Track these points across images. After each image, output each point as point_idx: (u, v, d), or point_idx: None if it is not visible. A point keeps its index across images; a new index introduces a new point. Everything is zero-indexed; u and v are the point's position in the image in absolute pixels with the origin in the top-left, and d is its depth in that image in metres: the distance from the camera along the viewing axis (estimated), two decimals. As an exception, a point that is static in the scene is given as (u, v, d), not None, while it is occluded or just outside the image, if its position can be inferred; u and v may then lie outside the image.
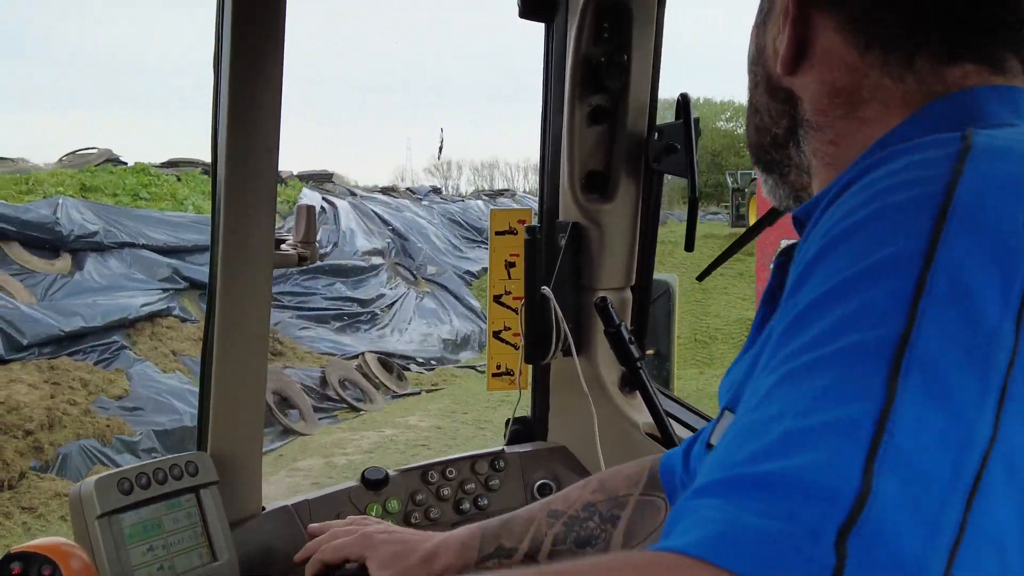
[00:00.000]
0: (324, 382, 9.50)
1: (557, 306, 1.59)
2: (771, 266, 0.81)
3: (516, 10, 1.60)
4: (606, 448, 1.57)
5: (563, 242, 1.61)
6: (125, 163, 13.67)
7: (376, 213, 14.80)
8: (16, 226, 9.47)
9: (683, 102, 1.51)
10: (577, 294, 1.65)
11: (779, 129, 0.79)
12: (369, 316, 12.27)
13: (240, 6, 1.24)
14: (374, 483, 1.52)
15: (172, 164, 14.81)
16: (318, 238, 12.82)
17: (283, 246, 1.42)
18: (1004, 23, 0.70)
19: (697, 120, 1.50)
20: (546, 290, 1.60)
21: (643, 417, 1.61)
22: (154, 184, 13.10)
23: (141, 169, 13.47)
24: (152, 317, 9.50)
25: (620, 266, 1.63)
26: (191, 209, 12.72)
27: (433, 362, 11.61)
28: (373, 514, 1.50)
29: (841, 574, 0.43)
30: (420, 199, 17.57)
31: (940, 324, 0.50)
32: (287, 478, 7.12)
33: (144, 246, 10.41)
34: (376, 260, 13.34)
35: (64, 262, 9.70)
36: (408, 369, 11.08)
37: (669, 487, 1.13)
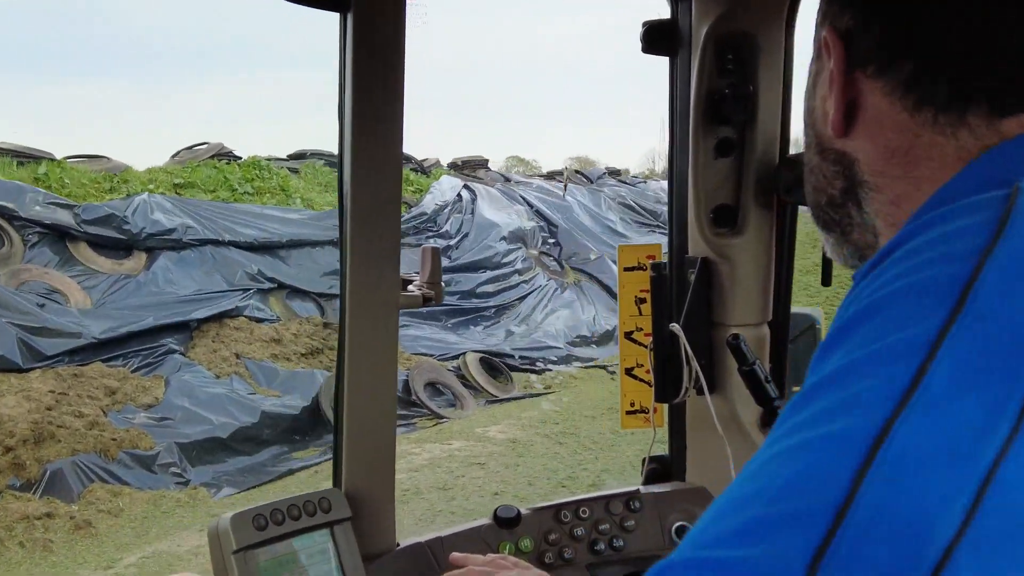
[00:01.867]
0: (408, 387, 9.20)
1: (687, 344, 1.64)
2: None
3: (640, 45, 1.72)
4: None
5: (692, 278, 1.66)
6: (238, 157, 13.84)
7: (525, 200, 14.91)
8: (81, 225, 9.65)
9: None
10: (708, 331, 1.69)
11: (834, 190, 0.84)
12: (494, 311, 12.09)
13: (360, 74, 1.36)
14: (506, 521, 1.60)
15: (299, 156, 15.21)
16: (447, 227, 13.01)
17: (410, 287, 1.55)
18: None
19: None
20: (675, 327, 1.65)
21: None
22: (261, 178, 13.16)
23: (253, 163, 13.57)
24: (220, 318, 9.48)
25: (754, 302, 1.67)
26: (299, 203, 12.85)
27: (554, 362, 11.16)
28: (506, 553, 1.56)
29: None
30: (591, 182, 17.66)
31: (924, 420, 0.52)
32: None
33: (230, 243, 10.48)
34: (514, 251, 13.33)
35: (135, 262, 9.87)
36: (522, 369, 10.71)
37: None
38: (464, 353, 10.39)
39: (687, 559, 0.56)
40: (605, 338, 12.15)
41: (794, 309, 1.74)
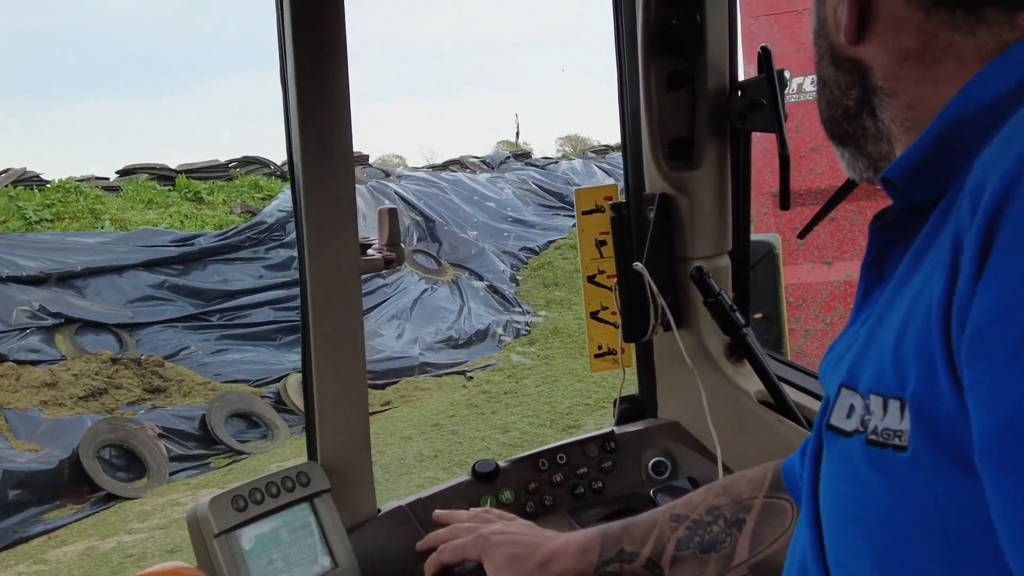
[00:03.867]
0: (204, 423, 8.77)
1: (652, 281, 1.74)
2: (869, 231, 0.88)
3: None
4: (720, 419, 1.71)
5: (652, 215, 1.77)
6: (46, 181, 13.48)
7: (400, 196, 14.39)
8: None
9: (764, 55, 1.65)
10: (672, 266, 1.80)
11: (849, 100, 0.89)
12: (340, 322, 11.53)
13: (300, 25, 1.40)
14: (486, 476, 1.71)
15: (128, 172, 14.72)
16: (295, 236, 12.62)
17: (369, 251, 1.61)
18: None
19: (781, 72, 1.65)
20: (638, 266, 1.75)
21: (755, 385, 1.76)
22: (64, 202, 12.63)
23: (60, 186, 13.09)
24: (-21, 366, 8.41)
25: (714, 233, 1.79)
26: (108, 226, 12.28)
27: (403, 372, 10.62)
28: (488, 506, 1.66)
29: None
30: (491, 168, 17.71)
31: None
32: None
33: (9, 279, 9.89)
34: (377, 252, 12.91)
35: None
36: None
37: (792, 486, 1.24)
38: (287, 375, 9.88)
39: None
40: (475, 339, 11.70)
41: (752, 237, 1.86)
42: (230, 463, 8.44)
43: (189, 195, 14.37)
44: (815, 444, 0.90)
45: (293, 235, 12.34)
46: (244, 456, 8.54)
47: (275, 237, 12.45)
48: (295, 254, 11.70)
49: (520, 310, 12.81)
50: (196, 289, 11.12)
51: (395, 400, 10.00)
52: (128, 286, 10.80)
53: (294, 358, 10.41)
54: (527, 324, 12.41)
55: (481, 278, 13.41)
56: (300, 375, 9.63)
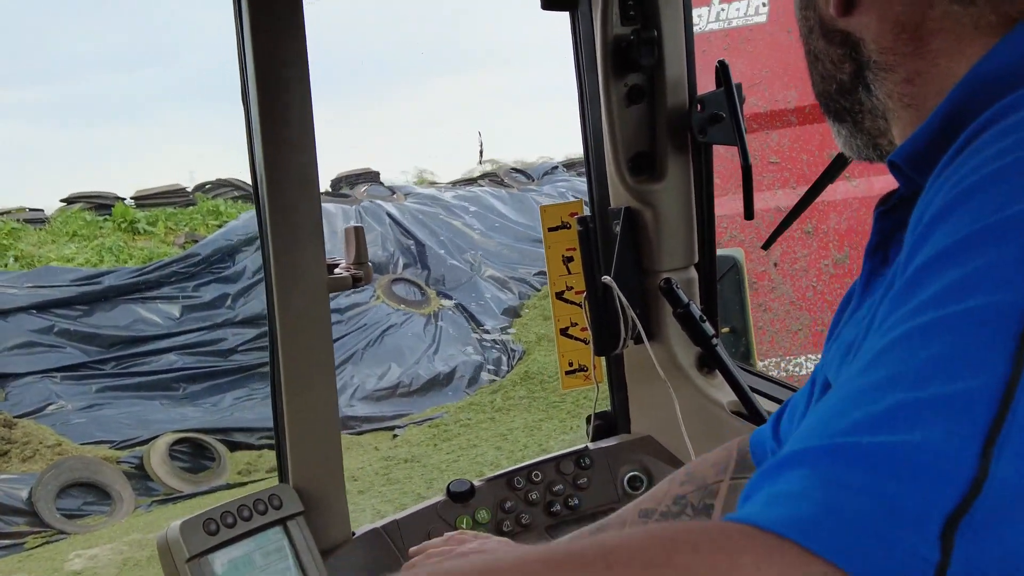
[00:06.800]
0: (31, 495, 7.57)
1: (621, 294, 1.80)
2: (874, 215, 0.88)
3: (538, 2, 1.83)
4: (693, 432, 1.76)
5: (618, 229, 1.83)
6: None
7: (391, 216, 12.96)
8: None
9: (721, 69, 1.74)
10: (640, 279, 1.86)
11: (843, 75, 0.87)
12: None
13: (260, 43, 1.45)
14: (460, 495, 1.73)
15: (72, 200, 13.83)
16: (246, 264, 11.19)
17: (336, 270, 1.65)
18: None
19: (739, 86, 1.73)
20: (607, 279, 1.81)
21: (727, 396, 1.81)
22: None
23: None
24: None
25: (680, 245, 1.85)
26: (12, 264, 11.63)
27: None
28: (464, 526, 1.69)
29: (944, 574, 0.47)
30: (531, 180, 16.15)
31: None
32: None
33: None
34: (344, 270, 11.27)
35: None
36: (259, 447, 8.68)
37: (762, 460, 1.24)
38: (156, 437, 8.57)
39: (823, 446, 0.54)
40: (434, 384, 10.07)
41: (717, 251, 1.92)
42: (44, 543, 7.25)
43: (124, 225, 13.30)
44: None
45: (233, 269, 11.43)
46: (63, 536, 7.32)
47: (214, 270, 11.11)
48: (230, 290, 10.28)
49: (497, 346, 11.07)
50: (91, 334, 9.94)
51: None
52: (12, 331, 9.71)
53: (191, 413, 9.22)
54: (509, 364, 10.73)
55: (466, 310, 11.72)
56: (173, 436, 8.77)
